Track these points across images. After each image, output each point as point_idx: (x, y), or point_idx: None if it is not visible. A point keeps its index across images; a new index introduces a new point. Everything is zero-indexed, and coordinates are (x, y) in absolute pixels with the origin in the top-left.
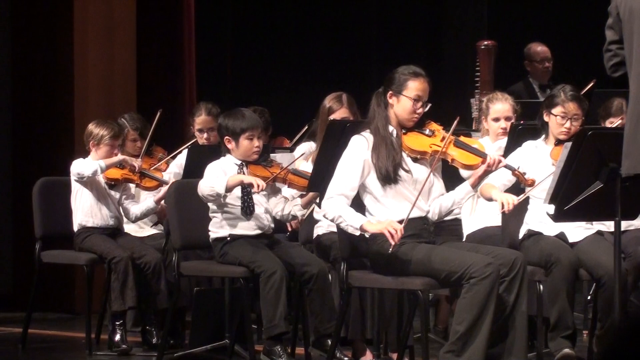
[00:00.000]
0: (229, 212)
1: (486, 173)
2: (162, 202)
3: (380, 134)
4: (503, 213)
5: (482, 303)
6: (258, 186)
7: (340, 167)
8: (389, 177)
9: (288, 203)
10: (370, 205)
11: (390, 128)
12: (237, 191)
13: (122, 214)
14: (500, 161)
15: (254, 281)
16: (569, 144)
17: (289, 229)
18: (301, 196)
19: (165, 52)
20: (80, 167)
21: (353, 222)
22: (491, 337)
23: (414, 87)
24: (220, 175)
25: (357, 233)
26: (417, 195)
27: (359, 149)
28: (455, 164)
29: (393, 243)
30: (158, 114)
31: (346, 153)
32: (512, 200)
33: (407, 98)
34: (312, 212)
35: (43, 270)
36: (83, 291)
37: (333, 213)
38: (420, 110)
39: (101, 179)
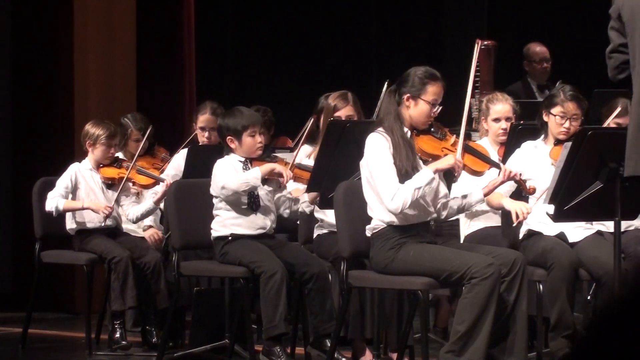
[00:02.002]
0: (233, 210)
1: (501, 184)
2: (161, 204)
3: (398, 135)
4: (509, 220)
5: (483, 303)
6: (287, 176)
7: (379, 170)
8: (408, 178)
9: (294, 200)
10: (374, 204)
11: (405, 129)
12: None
13: (120, 214)
14: (515, 175)
15: (254, 281)
16: (568, 144)
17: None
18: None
19: (165, 52)
20: (47, 198)
21: (425, 179)
22: (491, 337)
23: (433, 91)
24: (232, 171)
25: (435, 183)
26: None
27: (385, 147)
28: (464, 169)
29: (458, 174)
30: (149, 130)
31: (375, 154)
32: (527, 208)
33: (425, 102)
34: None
35: (43, 270)
36: (83, 291)
37: (407, 194)
38: (435, 114)
39: (98, 179)
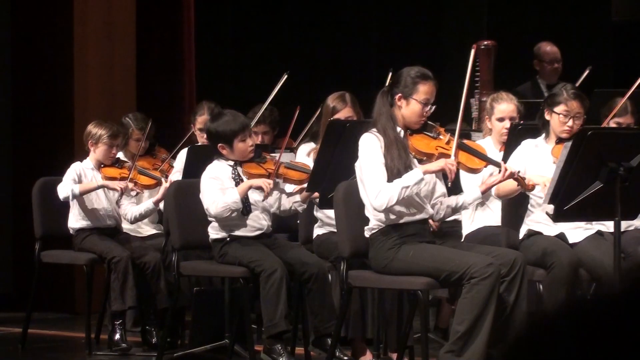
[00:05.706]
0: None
1: (499, 182)
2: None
3: (391, 135)
4: (504, 214)
5: (483, 303)
6: (267, 187)
7: (368, 168)
8: (399, 178)
9: (287, 198)
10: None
11: (398, 129)
12: None
13: (120, 214)
14: (512, 173)
15: (254, 281)
16: (568, 144)
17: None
18: (300, 190)
19: (165, 52)
20: (58, 189)
21: (413, 179)
22: (491, 337)
23: (424, 90)
24: (219, 187)
25: (424, 183)
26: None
27: (376, 146)
28: (460, 167)
29: (451, 177)
30: (149, 125)
31: (366, 153)
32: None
33: (416, 102)
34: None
35: (43, 270)
36: (83, 291)
37: (393, 192)
38: (428, 113)
39: (99, 178)
